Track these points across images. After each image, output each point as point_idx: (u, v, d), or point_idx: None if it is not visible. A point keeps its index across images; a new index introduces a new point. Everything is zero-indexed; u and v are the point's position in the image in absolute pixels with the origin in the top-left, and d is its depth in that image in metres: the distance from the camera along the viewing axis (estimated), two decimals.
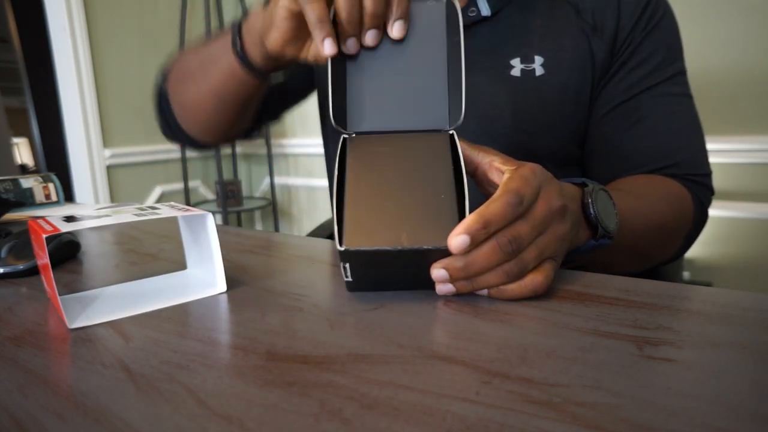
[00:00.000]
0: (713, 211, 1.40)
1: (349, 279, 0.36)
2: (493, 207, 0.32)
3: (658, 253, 0.56)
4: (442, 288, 0.35)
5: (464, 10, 0.61)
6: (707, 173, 0.59)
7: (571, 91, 0.58)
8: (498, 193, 0.33)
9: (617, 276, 0.39)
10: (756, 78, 1.34)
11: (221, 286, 0.39)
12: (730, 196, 1.39)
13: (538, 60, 0.58)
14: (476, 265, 0.33)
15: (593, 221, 0.41)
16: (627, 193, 0.52)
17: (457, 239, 0.32)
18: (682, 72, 0.60)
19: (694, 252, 1.47)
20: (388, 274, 0.36)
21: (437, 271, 0.34)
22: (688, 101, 0.60)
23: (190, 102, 0.63)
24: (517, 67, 0.59)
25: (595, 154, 0.62)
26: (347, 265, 0.35)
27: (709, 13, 1.37)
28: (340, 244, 0.34)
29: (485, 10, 0.60)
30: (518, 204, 0.33)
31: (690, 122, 0.59)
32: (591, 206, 0.41)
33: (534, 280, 0.34)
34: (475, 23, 0.60)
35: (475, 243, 0.32)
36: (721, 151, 1.34)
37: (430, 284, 0.35)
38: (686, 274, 1.48)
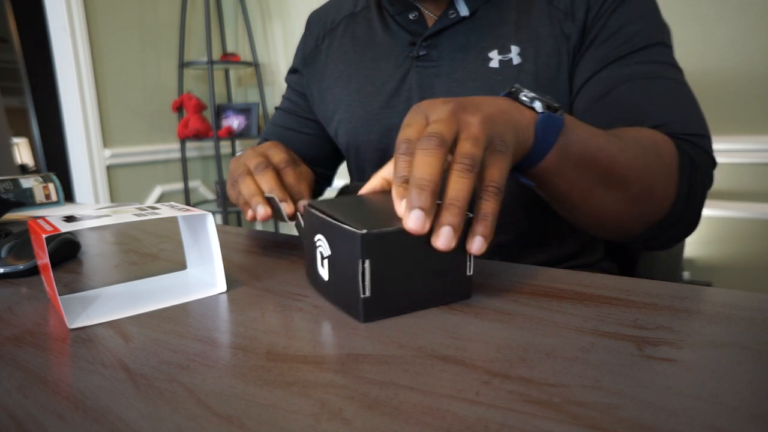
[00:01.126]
0: (713, 211, 1.40)
1: (367, 295, 0.32)
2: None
3: (644, 191, 0.50)
4: (413, 221, 0.31)
5: (444, 12, 0.63)
6: (700, 134, 0.55)
7: (549, 76, 0.59)
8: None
9: (617, 276, 0.39)
10: (756, 78, 1.34)
11: (221, 286, 0.39)
12: (730, 196, 1.39)
13: (515, 50, 0.60)
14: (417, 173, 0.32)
15: (528, 99, 0.41)
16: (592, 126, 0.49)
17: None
18: (663, 44, 0.58)
19: (694, 252, 1.47)
20: (409, 274, 0.33)
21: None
22: (674, 70, 0.57)
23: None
24: (495, 58, 0.60)
25: None
26: (366, 265, 0.31)
27: (709, 13, 1.37)
28: (359, 229, 0.31)
29: (464, 11, 0.62)
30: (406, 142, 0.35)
31: (677, 87, 0.56)
32: (516, 90, 0.42)
33: (488, 174, 0.35)
34: (455, 24, 0.62)
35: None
36: (721, 151, 1.34)
37: (447, 290, 0.35)
38: (686, 274, 1.48)
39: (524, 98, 0.42)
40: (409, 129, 0.36)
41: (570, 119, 0.44)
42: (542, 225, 0.63)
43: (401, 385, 0.24)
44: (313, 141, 0.77)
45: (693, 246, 1.45)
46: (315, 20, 0.77)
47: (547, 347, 0.27)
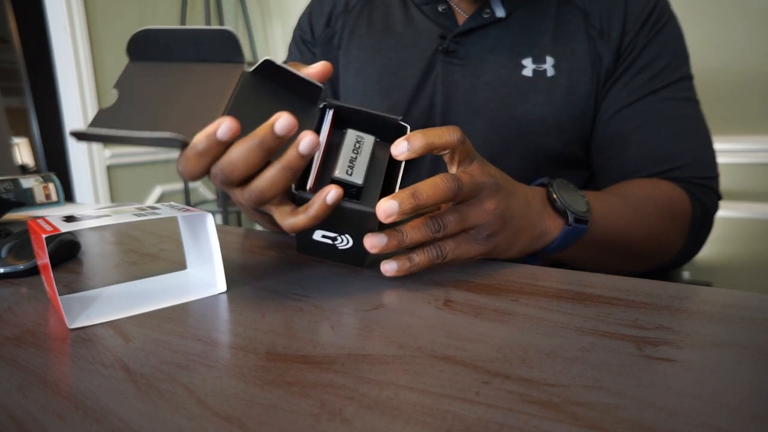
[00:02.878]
0: None
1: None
2: (426, 186, 0.36)
3: (653, 254, 0.56)
4: (374, 241, 0.37)
5: (479, 11, 0.61)
6: (712, 176, 0.59)
7: (581, 93, 0.59)
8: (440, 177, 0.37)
9: (617, 276, 0.39)
10: (756, 78, 1.33)
11: (221, 286, 0.39)
12: (730, 196, 1.39)
13: (550, 61, 0.59)
14: (424, 194, 0.35)
15: (561, 207, 0.43)
16: (613, 194, 0.53)
17: (386, 204, 0.34)
18: (688, 77, 0.60)
19: None
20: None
21: (387, 203, 0.34)
22: (694, 106, 0.60)
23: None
24: (528, 67, 0.59)
25: (600, 157, 0.62)
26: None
27: (708, 13, 1.37)
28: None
29: (500, 12, 0.60)
30: (455, 188, 0.36)
31: (695, 126, 0.59)
32: (554, 194, 0.44)
33: (452, 246, 0.39)
34: (489, 24, 0.61)
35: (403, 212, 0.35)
36: (722, 151, 1.33)
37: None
38: (686, 274, 1.48)
39: (555, 198, 0.44)
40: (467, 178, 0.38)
41: (593, 209, 0.46)
42: None
43: (401, 385, 0.24)
44: None
45: None
46: None
47: (547, 347, 0.27)
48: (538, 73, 0.59)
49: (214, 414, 0.22)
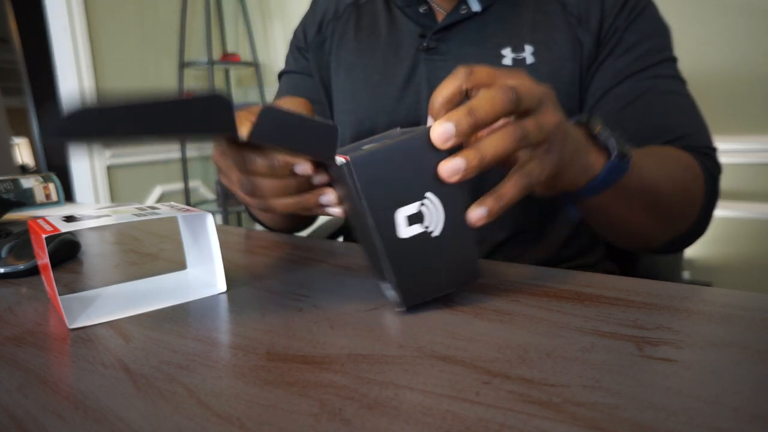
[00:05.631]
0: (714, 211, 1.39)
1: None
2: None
3: (678, 213, 0.54)
4: (449, 167, 0.30)
5: (455, 7, 0.63)
6: (712, 147, 0.58)
7: (563, 79, 0.59)
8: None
9: (617, 276, 0.39)
10: (756, 78, 1.33)
11: (221, 286, 0.39)
12: (730, 196, 1.39)
13: (529, 49, 0.60)
14: (481, 110, 0.29)
15: (604, 142, 0.39)
16: (636, 149, 0.50)
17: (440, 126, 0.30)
18: (672, 59, 0.60)
19: (694, 252, 1.47)
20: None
21: (440, 126, 0.29)
22: (682, 84, 0.60)
23: (260, 218, 0.68)
24: (508, 56, 0.60)
25: None
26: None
27: (709, 12, 1.37)
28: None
29: (475, 6, 0.62)
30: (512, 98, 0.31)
31: (687, 101, 0.59)
32: (598, 127, 0.39)
33: (529, 165, 0.33)
34: (466, 19, 0.62)
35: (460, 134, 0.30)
36: (722, 151, 1.33)
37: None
38: (686, 274, 1.48)
39: (603, 139, 0.39)
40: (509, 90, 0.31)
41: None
42: (538, 219, 0.63)
43: (401, 385, 0.24)
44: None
45: (693, 246, 1.45)
46: (322, 3, 0.75)
47: (547, 347, 0.27)
48: (518, 62, 0.60)
49: (214, 414, 0.22)
